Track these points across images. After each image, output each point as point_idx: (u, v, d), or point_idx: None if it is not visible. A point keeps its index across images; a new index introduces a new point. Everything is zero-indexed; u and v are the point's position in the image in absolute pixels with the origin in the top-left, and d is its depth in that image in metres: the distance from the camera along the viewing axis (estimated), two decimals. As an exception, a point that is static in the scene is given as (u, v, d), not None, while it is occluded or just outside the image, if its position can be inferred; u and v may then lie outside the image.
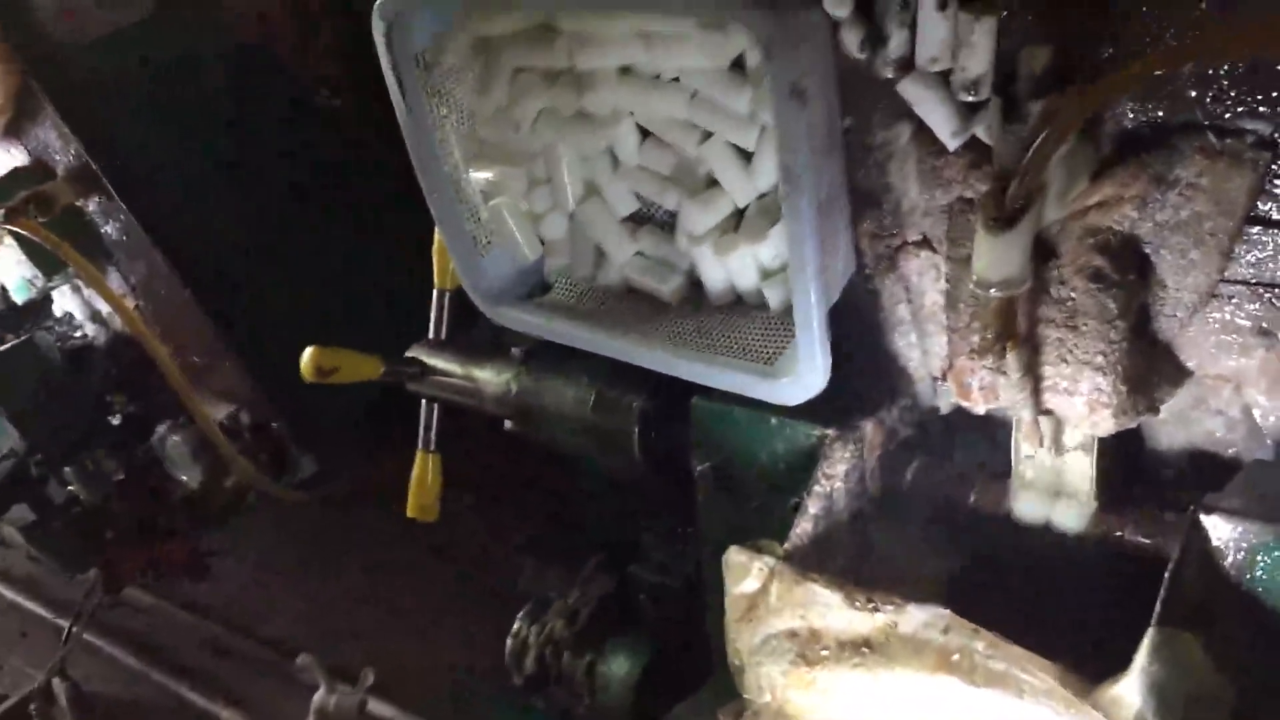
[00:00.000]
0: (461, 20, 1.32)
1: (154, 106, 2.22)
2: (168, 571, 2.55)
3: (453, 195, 1.43)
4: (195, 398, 2.32)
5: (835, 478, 1.18)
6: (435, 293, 1.69)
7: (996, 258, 0.97)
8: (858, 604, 1.04)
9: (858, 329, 1.27)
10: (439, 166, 1.41)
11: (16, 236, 2.24)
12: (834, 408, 1.23)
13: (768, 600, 1.09)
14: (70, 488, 2.57)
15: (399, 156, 1.42)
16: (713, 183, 1.32)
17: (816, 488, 1.17)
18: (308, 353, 1.55)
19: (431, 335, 1.70)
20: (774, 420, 1.25)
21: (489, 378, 1.59)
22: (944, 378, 1.24)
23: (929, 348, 1.24)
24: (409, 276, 1.82)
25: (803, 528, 1.15)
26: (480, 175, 1.43)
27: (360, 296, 2.32)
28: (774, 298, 1.29)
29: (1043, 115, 0.94)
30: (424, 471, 1.71)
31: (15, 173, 2.23)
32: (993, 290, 0.98)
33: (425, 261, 1.72)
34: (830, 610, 1.06)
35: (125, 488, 2.55)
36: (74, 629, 2.95)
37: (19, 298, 2.41)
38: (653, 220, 1.42)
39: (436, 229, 1.62)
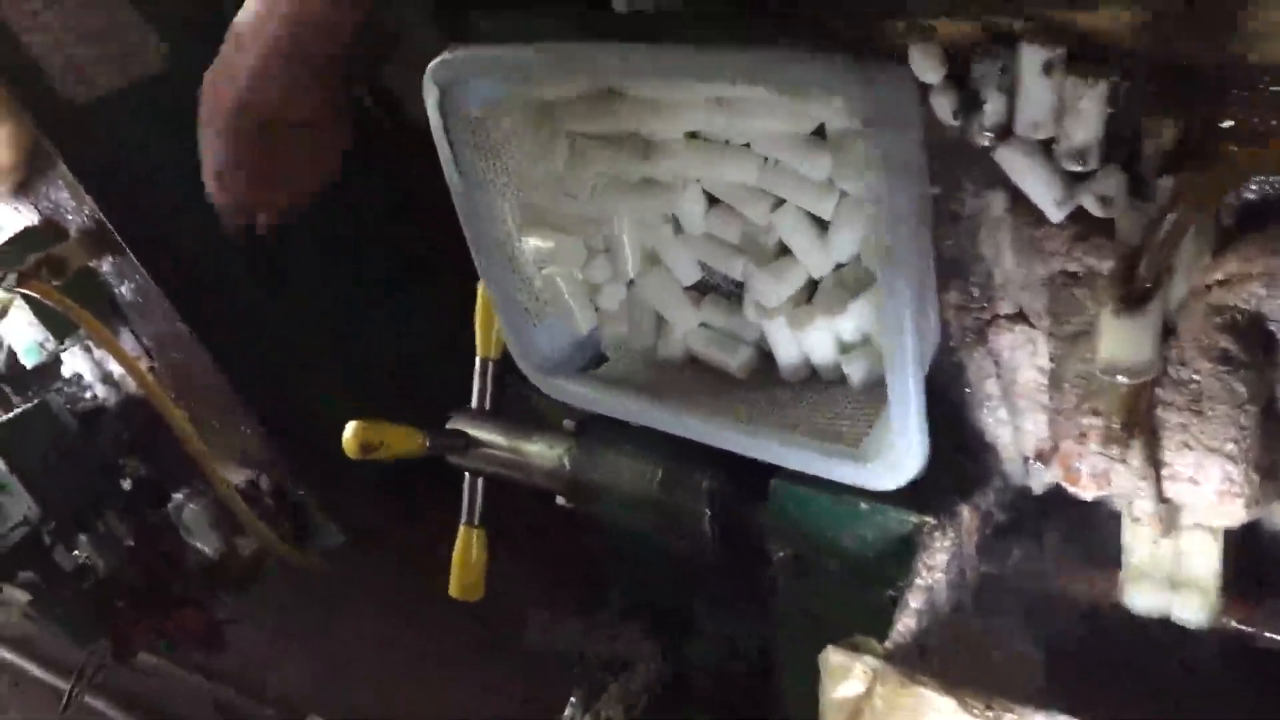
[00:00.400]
0: (520, 84, 1.25)
1: (169, 162, 2.14)
2: (183, 641, 2.45)
3: (505, 264, 1.36)
4: (212, 463, 2.23)
5: (936, 568, 1.11)
6: (478, 362, 1.61)
7: (1125, 341, 0.91)
8: (975, 711, 0.97)
9: (943, 405, 1.20)
10: (491, 234, 1.34)
11: (27, 299, 2.16)
12: (924, 491, 1.16)
13: (873, 705, 1.02)
14: (76, 553, 2.48)
15: (439, 213, 1.35)
16: (783, 251, 1.26)
17: (918, 580, 1.10)
18: (350, 428, 1.47)
19: (475, 405, 1.62)
20: (864, 505, 1.18)
21: (540, 451, 1.51)
22: (1040, 458, 1.17)
23: (1022, 425, 1.18)
24: (441, 336, 1.74)
25: (905, 624, 1.07)
26: (535, 243, 1.37)
27: (386, 355, 2.23)
28: (855, 373, 1.22)
29: (1174, 192, 0.88)
30: (467, 547, 1.62)
31: (27, 233, 2.15)
32: (1119, 376, 0.92)
33: (461, 321, 1.64)
34: (943, 717, 0.98)
35: (136, 554, 2.46)
36: (74, 693, 2.83)
37: (29, 361, 2.33)
38: (717, 290, 1.36)
39: (479, 295, 1.56)
